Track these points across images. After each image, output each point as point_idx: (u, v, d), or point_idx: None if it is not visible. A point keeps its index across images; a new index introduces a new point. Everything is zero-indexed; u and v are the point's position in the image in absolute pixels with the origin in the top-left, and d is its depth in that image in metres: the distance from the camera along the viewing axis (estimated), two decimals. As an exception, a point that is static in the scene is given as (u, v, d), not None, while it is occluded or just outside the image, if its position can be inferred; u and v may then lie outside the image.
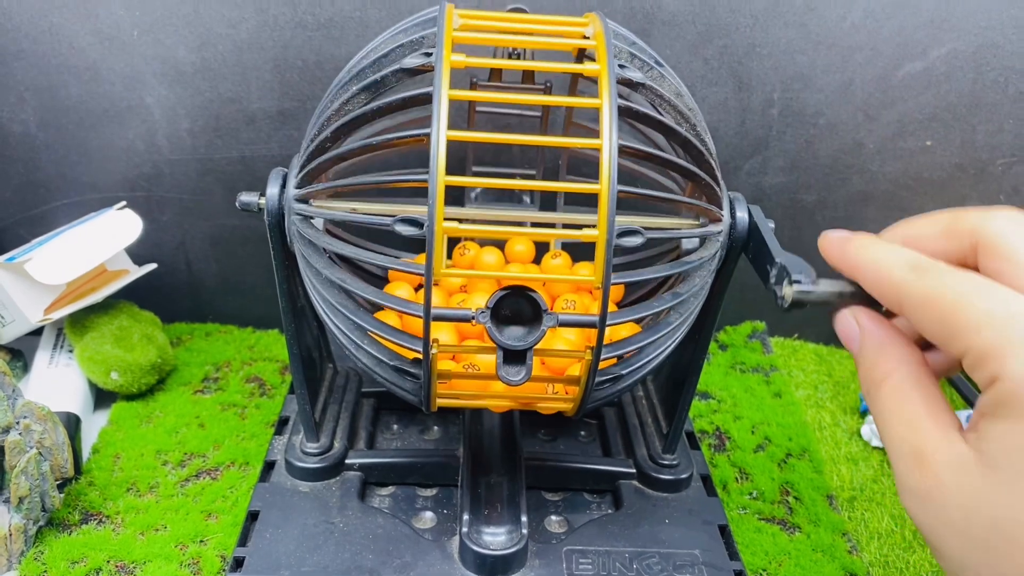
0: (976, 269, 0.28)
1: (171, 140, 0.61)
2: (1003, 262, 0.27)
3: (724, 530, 0.47)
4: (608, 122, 0.33)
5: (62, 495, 0.48)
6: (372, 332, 0.38)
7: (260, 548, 0.43)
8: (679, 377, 0.48)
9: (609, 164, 0.33)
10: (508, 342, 0.35)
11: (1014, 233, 0.28)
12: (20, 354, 0.62)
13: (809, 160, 0.64)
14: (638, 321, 0.42)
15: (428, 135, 0.33)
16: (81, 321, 0.59)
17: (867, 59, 0.60)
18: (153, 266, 0.62)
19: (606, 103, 0.33)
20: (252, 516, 0.46)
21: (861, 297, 0.32)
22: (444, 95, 0.33)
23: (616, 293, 0.49)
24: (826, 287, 0.33)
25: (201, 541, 0.48)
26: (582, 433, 0.55)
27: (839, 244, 0.32)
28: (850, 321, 0.32)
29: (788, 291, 0.33)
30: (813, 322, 0.72)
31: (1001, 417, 0.25)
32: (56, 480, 0.47)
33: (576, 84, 0.49)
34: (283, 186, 0.40)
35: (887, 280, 0.29)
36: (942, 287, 0.27)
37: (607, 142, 0.33)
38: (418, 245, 0.52)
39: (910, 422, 0.28)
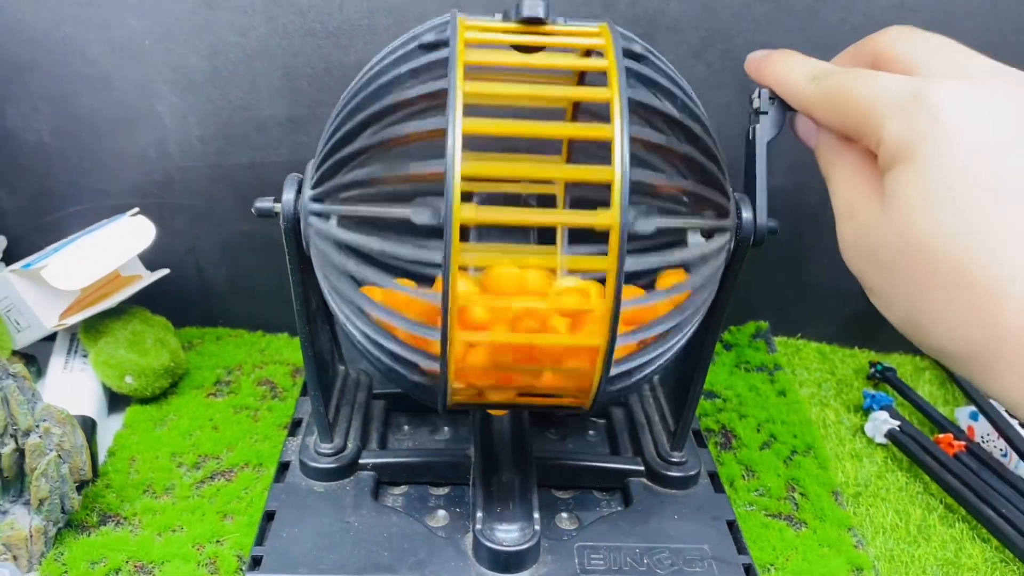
0: None
1: (182, 147, 0.62)
2: (890, 62, 0.34)
3: (732, 525, 0.47)
4: (618, 103, 0.34)
5: (80, 497, 0.49)
6: (385, 322, 0.39)
7: (277, 547, 0.44)
8: (686, 376, 0.49)
9: (622, 142, 0.34)
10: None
11: (899, 38, 0.34)
12: (34, 359, 0.62)
13: (811, 162, 0.64)
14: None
15: (444, 128, 0.34)
16: (95, 326, 0.60)
17: (867, 62, 0.60)
18: (165, 271, 0.63)
19: (616, 91, 0.34)
20: (268, 516, 0.46)
21: None
22: (459, 72, 0.34)
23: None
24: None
25: (218, 541, 0.49)
26: (591, 432, 0.55)
27: (756, 62, 0.40)
28: (808, 122, 0.38)
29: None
30: (816, 321, 0.73)
31: (888, 168, 0.31)
32: (75, 482, 0.48)
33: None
34: (299, 191, 0.41)
35: (794, 90, 0.37)
36: (836, 87, 0.34)
37: (619, 126, 0.34)
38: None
39: (849, 188, 0.34)
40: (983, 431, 0.60)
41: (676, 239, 0.41)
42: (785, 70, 0.38)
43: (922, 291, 0.30)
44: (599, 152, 0.37)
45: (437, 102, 0.36)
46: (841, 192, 0.34)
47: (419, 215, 0.35)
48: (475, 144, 0.36)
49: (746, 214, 0.41)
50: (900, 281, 0.31)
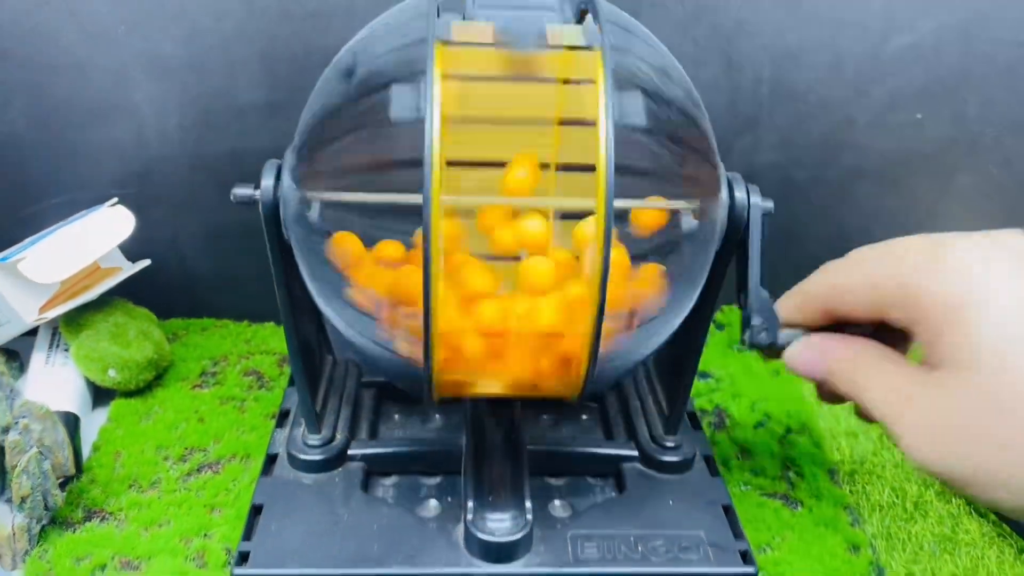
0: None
1: (160, 136, 0.61)
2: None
3: (728, 510, 0.47)
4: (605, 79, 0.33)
5: (64, 493, 0.48)
6: (367, 306, 0.38)
7: (265, 541, 0.43)
8: (679, 358, 0.48)
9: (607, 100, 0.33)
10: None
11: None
12: (16, 355, 0.61)
13: (801, 137, 0.64)
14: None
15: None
16: (76, 320, 0.59)
17: (856, 35, 0.60)
18: (146, 262, 0.62)
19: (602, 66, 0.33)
20: (256, 510, 0.46)
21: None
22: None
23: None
24: (784, 338, 0.40)
25: (205, 535, 0.48)
26: (583, 417, 0.55)
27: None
28: (810, 352, 0.39)
29: (746, 336, 0.41)
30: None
31: (935, 340, 0.33)
32: (58, 479, 0.47)
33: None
34: (278, 177, 0.40)
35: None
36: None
37: (604, 96, 0.33)
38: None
39: (897, 380, 0.35)
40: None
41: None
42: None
43: None
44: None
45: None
46: (888, 389, 0.35)
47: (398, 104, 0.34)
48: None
49: (739, 193, 0.40)
50: (1006, 446, 0.31)
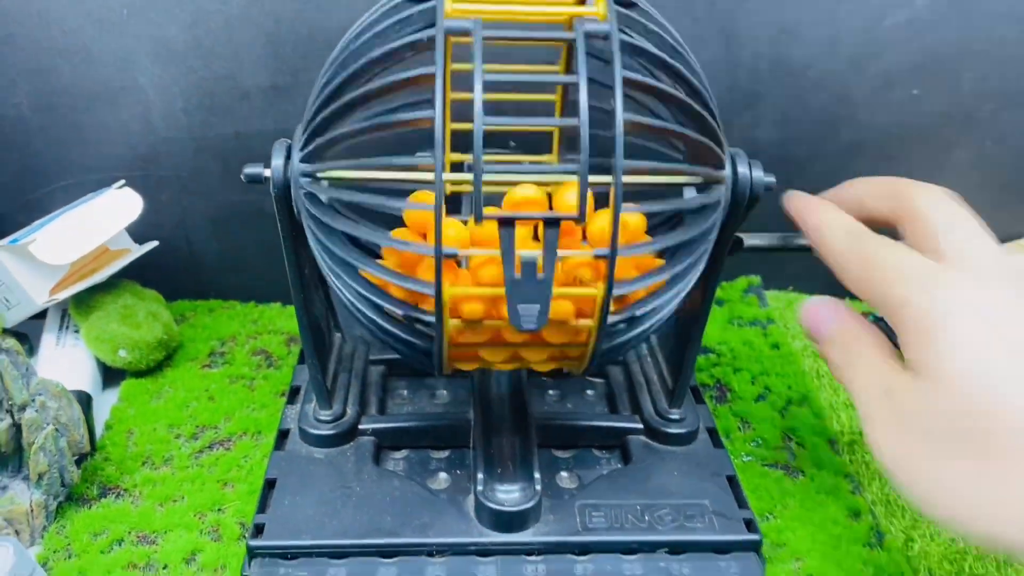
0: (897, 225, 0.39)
1: (166, 119, 0.61)
2: (909, 218, 0.38)
3: (732, 480, 0.48)
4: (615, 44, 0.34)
5: (79, 471, 0.49)
6: (376, 278, 0.38)
7: (280, 514, 0.44)
8: (683, 333, 0.49)
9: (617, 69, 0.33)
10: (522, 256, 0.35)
11: (935, 208, 0.37)
12: (25, 337, 0.62)
13: (800, 113, 0.64)
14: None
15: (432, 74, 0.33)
16: (86, 301, 0.60)
17: (852, 10, 0.60)
18: (154, 244, 0.62)
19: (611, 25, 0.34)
20: (270, 484, 0.46)
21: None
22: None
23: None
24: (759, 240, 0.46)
25: (219, 509, 0.49)
26: (589, 392, 0.56)
27: (798, 204, 0.43)
28: (823, 311, 0.41)
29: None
30: (807, 276, 0.73)
31: (918, 341, 0.33)
32: (73, 456, 0.48)
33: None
34: (287, 156, 0.40)
35: (830, 241, 0.40)
36: (868, 250, 0.37)
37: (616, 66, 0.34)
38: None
39: (880, 372, 0.36)
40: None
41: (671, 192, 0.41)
42: (827, 220, 0.41)
43: (999, 460, 0.31)
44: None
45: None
46: (870, 376, 0.36)
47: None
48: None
49: (741, 168, 0.40)
50: (964, 455, 0.32)
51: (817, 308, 0.41)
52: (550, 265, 0.34)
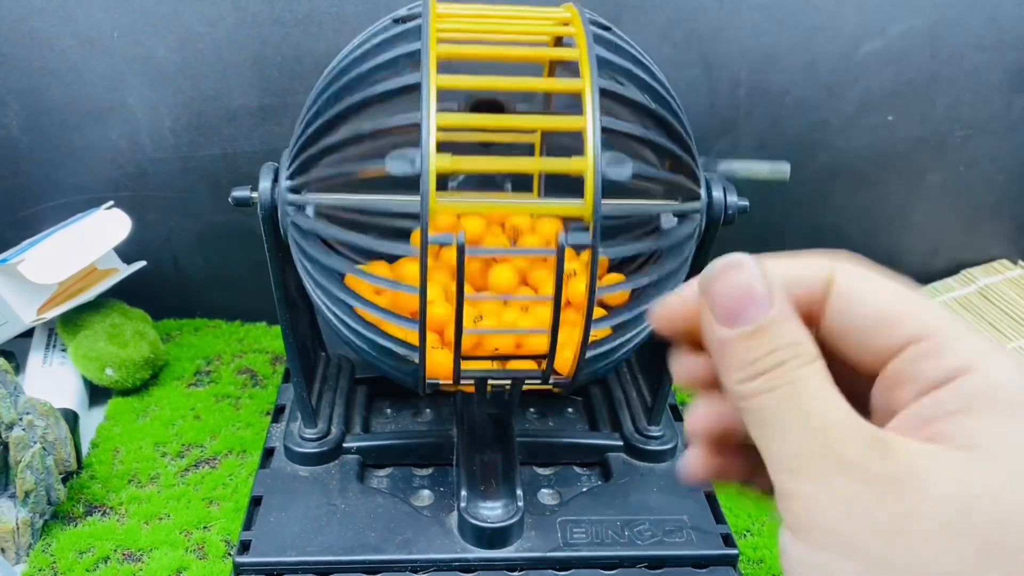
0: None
1: (154, 139, 0.62)
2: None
3: (710, 496, 0.49)
4: (591, 73, 0.35)
5: (66, 489, 0.49)
6: (363, 311, 0.40)
7: (265, 531, 0.45)
8: (661, 352, 0.50)
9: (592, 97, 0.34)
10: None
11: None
12: (12, 355, 0.62)
13: (777, 138, 0.66)
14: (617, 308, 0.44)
15: (417, 124, 0.34)
16: (73, 320, 0.60)
17: (829, 38, 0.62)
18: (142, 264, 0.63)
19: (588, 76, 0.35)
20: (255, 501, 0.47)
21: None
22: (431, 33, 0.35)
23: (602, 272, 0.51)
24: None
25: (205, 527, 0.49)
26: (570, 410, 0.56)
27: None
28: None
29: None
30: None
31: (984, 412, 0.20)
32: (60, 474, 0.49)
33: (554, 70, 0.51)
34: (275, 180, 0.41)
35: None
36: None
37: (589, 95, 0.35)
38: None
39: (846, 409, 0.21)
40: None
41: (649, 227, 0.42)
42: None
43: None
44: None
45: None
46: (841, 411, 0.20)
47: (396, 166, 0.36)
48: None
49: (716, 193, 0.42)
50: (996, 560, 0.17)
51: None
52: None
